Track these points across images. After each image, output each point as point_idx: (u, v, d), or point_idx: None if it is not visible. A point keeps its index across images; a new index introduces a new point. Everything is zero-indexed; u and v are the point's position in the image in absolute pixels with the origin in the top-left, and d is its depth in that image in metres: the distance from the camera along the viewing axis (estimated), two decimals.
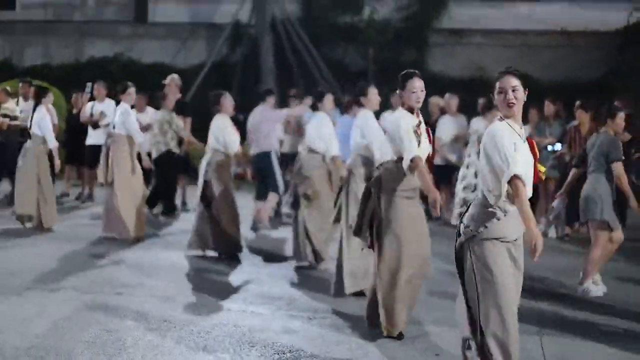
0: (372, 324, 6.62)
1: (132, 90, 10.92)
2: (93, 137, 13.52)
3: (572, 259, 9.85)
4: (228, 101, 9.88)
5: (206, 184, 9.69)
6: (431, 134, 6.61)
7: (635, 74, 19.15)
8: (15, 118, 13.14)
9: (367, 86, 8.39)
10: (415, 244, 6.41)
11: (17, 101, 13.54)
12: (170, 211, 12.79)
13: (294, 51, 21.10)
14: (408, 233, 6.40)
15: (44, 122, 10.99)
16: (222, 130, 9.70)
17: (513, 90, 4.68)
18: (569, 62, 21.02)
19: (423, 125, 6.52)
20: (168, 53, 22.07)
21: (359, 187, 7.66)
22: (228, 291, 8.06)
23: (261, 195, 11.98)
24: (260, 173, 11.93)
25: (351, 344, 6.27)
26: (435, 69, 21.65)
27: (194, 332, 6.47)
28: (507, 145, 4.59)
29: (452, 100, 13.13)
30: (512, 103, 4.69)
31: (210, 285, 8.35)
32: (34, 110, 11.14)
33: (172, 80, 12.54)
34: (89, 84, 14.27)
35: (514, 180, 4.53)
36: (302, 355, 5.92)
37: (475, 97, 12.96)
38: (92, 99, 13.88)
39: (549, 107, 12.49)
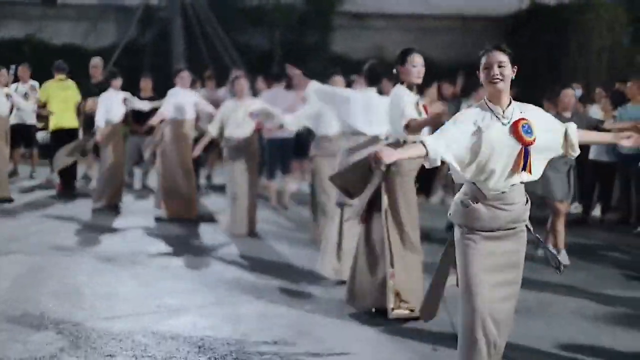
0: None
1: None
2: (17, 117, 13.97)
3: None
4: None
5: None
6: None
7: (526, 56, 20.58)
8: None
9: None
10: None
11: None
12: None
13: (203, 34, 21.76)
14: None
15: None
16: None
17: (499, 66, 4.32)
18: (464, 44, 22.24)
19: (422, 102, 6.53)
20: (79, 35, 22.39)
21: None
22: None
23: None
24: None
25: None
26: (339, 51, 22.71)
27: (143, 283, 7.40)
28: None
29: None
30: (497, 79, 4.31)
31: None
32: None
33: (96, 63, 13.27)
34: (13, 66, 14.67)
35: None
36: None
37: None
38: (16, 79, 14.31)
39: (446, 88, 13.52)
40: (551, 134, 4.44)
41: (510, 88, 4.39)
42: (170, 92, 11.24)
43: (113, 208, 11.63)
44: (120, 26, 23.00)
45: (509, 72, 4.33)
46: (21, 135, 13.88)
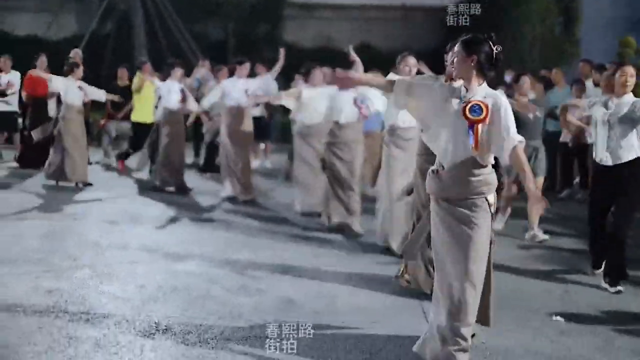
0: None
1: None
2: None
3: None
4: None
5: None
6: None
7: None
8: None
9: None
10: None
11: None
12: None
13: (162, 25, 22.85)
14: None
15: None
16: None
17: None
18: (406, 33, 23.58)
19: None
20: (40, 26, 23.32)
21: None
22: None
23: None
24: None
25: None
26: (289, 40, 24.03)
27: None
28: None
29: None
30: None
31: None
32: None
33: (77, 54, 14.43)
34: None
35: None
36: None
37: (323, 65, 14.44)
38: None
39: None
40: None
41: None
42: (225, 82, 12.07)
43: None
44: (79, 17, 23.98)
45: (458, 59, 4.97)
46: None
